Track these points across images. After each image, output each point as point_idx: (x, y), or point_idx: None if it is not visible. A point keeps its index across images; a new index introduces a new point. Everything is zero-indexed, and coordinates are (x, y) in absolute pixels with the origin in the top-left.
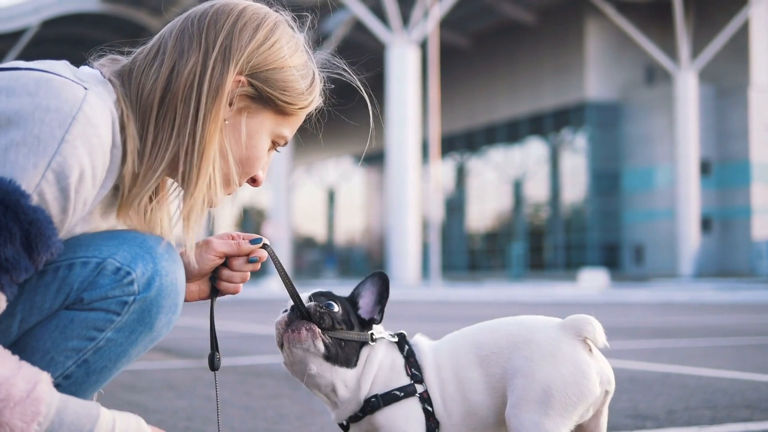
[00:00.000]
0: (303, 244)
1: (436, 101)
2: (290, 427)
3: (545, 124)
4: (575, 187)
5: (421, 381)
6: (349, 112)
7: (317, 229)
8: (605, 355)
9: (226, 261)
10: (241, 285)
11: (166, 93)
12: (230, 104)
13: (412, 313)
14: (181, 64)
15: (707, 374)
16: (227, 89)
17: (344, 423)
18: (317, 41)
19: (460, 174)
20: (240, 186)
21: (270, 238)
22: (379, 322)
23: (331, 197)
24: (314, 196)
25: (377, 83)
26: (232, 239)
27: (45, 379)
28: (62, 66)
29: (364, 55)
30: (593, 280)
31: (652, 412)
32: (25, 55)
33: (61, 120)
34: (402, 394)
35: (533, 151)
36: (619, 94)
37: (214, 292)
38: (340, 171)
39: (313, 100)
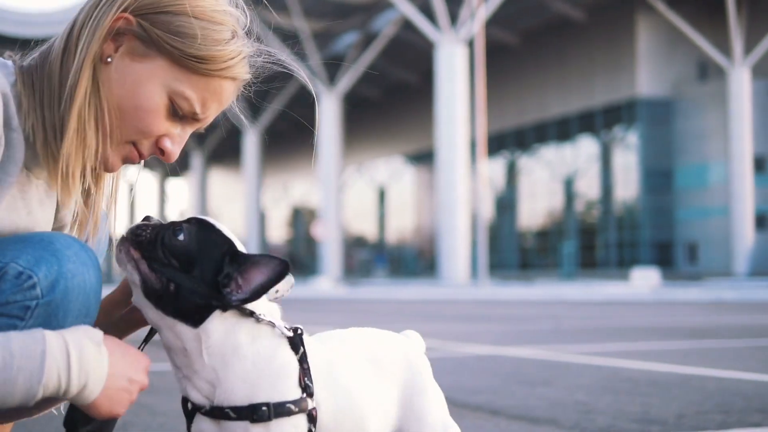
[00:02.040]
0: (353, 244)
1: (482, 100)
2: None
3: (596, 122)
4: (627, 184)
5: (312, 395)
6: (399, 111)
7: (368, 229)
8: (633, 357)
9: None
10: None
11: (67, 41)
12: (117, 42)
13: (454, 313)
14: (79, 14)
15: (731, 377)
16: (105, 24)
17: (188, 405)
18: (366, 41)
19: (511, 172)
20: (144, 155)
21: (319, 237)
22: (230, 306)
23: (382, 196)
24: (365, 196)
25: (426, 82)
26: None
27: None
28: None
29: (412, 54)
30: (645, 279)
31: (662, 417)
32: None
33: None
34: (296, 409)
35: (584, 148)
36: (671, 91)
37: None
38: (390, 170)
39: (222, 62)
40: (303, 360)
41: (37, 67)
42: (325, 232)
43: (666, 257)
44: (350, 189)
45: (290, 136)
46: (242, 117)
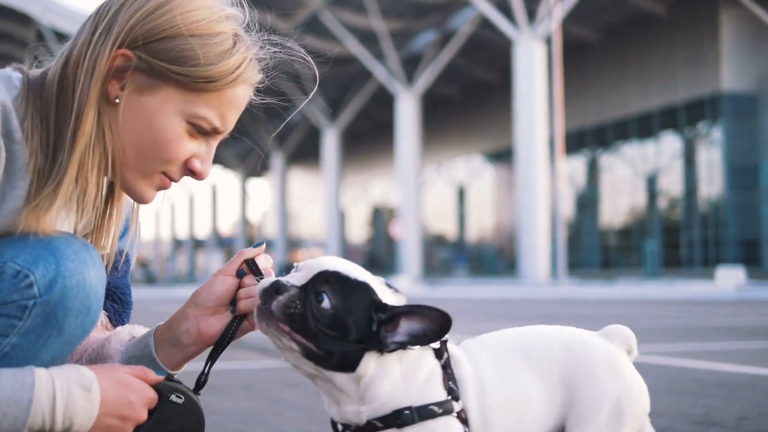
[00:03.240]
0: (433, 243)
1: (560, 97)
2: None
3: (679, 118)
4: (711, 181)
5: (458, 398)
6: (478, 109)
7: (448, 227)
8: (703, 357)
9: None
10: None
11: (63, 77)
12: (121, 80)
13: (531, 312)
14: (74, 48)
15: None
16: (104, 64)
17: (339, 427)
18: (444, 40)
19: (592, 170)
20: (175, 179)
21: (398, 236)
22: (389, 350)
23: (461, 195)
24: (444, 194)
25: (504, 80)
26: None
27: None
28: None
29: (490, 52)
30: (730, 278)
31: (722, 419)
32: None
33: None
34: (440, 410)
35: (667, 145)
36: (757, 85)
37: (235, 318)
38: (469, 168)
39: (231, 74)
40: (447, 366)
41: (38, 92)
42: (403, 231)
43: (752, 255)
44: (430, 188)
45: (369, 136)
46: (322, 117)
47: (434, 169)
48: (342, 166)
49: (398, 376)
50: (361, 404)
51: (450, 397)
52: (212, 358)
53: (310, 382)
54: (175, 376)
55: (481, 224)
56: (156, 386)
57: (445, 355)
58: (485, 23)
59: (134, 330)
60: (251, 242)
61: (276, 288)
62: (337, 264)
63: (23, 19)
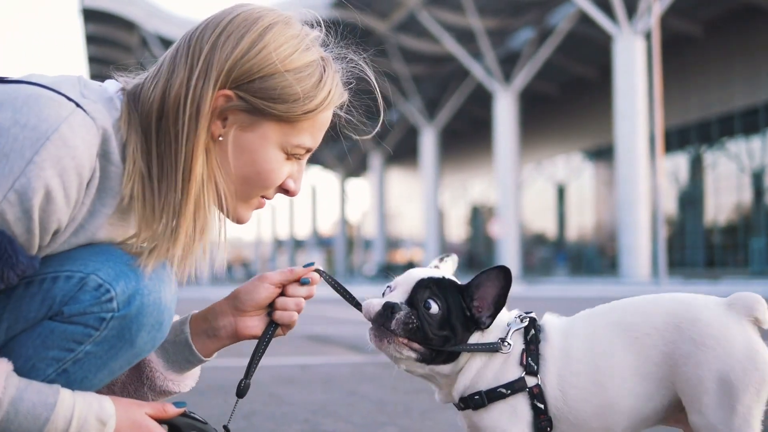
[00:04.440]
0: (533, 242)
1: (660, 93)
2: (409, 421)
3: None
4: None
5: (535, 373)
6: (577, 106)
7: (547, 226)
8: None
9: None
10: (296, 315)
11: (160, 114)
12: (223, 120)
13: None
14: (171, 84)
15: None
16: (207, 106)
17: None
18: (542, 37)
19: (696, 166)
20: (271, 198)
21: (497, 235)
22: (486, 326)
23: (561, 193)
24: (544, 193)
25: (604, 76)
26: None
27: (1, 369)
28: (68, 80)
29: (590, 48)
30: None
31: None
32: None
33: (34, 139)
34: (508, 391)
35: None
36: None
37: (270, 324)
38: (569, 167)
39: (326, 101)
40: (531, 342)
41: (136, 119)
42: (502, 230)
43: None
44: (529, 187)
45: (467, 135)
46: (419, 116)
47: (533, 168)
48: (440, 165)
49: (482, 360)
50: (454, 388)
51: (524, 374)
52: (251, 366)
53: (392, 375)
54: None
55: (581, 223)
56: (176, 424)
57: (531, 332)
58: (584, 19)
59: None
60: (351, 242)
61: (391, 309)
62: (425, 272)
63: (127, 24)
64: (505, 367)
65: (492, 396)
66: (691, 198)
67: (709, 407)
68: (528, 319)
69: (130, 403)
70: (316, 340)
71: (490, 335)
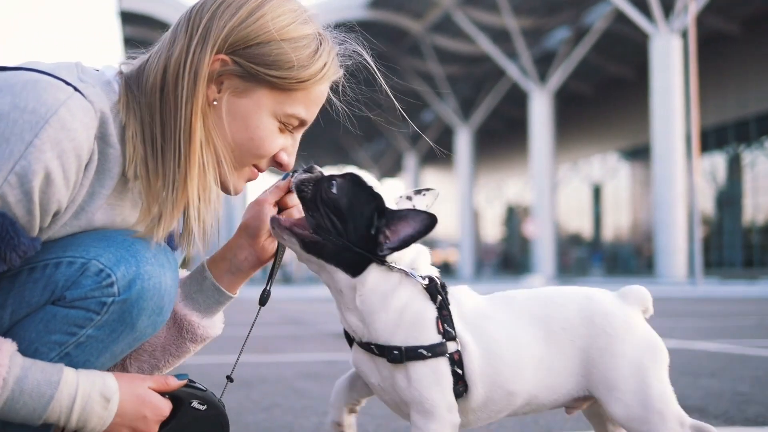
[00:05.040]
0: (569, 242)
1: (695, 92)
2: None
3: None
4: None
5: (453, 339)
6: (613, 106)
7: (583, 227)
8: None
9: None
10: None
11: (163, 83)
12: (219, 84)
13: (660, 309)
14: (172, 53)
15: None
16: (205, 70)
17: (351, 336)
18: (578, 36)
19: (733, 166)
20: (263, 170)
21: (531, 235)
22: (382, 254)
23: (597, 193)
24: (580, 193)
25: (641, 75)
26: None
27: (5, 349)
28: (65, 66)
29: (626, 47)
30: None
31: None
32: None
33: (33, 123)
34: (429, 354)
35: None
36: None
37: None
38: (605, 167)
39: (321, 73)
40: (443, 307)
41: (137, 98)
42: (536, 230)
43: None
44: (565, 187)
45: (503, 135)
46: (454, 117)
47: (569, 168)
48: (475, 165)
49: (391, 309)
50: (362, 323)
51: (444, 340)
52: (271, 276)
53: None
54: (202, 385)
55: (617, 223)
56: (177, 392)
57: (439, 297)
58: (620, 18)
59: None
60: None
61: (308, 168)
62: (362, 173)
63: (163, 27)
64: (420, 330)
65: (411, 356)
66: (729, 198)
67: (627, 393)
68: (428, 278)
69: (133, 377)
70: (342, 337)
71: (387, 280)
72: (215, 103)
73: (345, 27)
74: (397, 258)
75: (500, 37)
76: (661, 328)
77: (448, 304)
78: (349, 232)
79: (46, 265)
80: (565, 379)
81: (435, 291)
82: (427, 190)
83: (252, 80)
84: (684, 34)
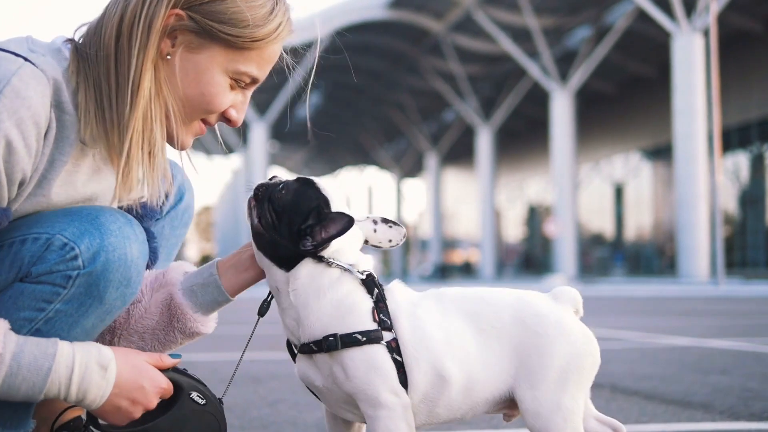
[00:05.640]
0: (590, 242)
1: (717, 91)
2: None
3: None
4: None
5: (390, 329)
6: (635, 105)
7: (605, 226)
8: None
9: None
10: None
11: (119, 33)
12: (173, 39)
13: (680, 308)
14: (128, 5)
15: None
16: (159, 23)
17: (292, 346)
18: (599, 35)
19: (757, 165)
20: (212, 124)
21: (552, 235)
22: (306, 250)
23: (619, 193)
24: (601, 193)
25: (663, 74)
26: None
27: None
28: (14, 40)
29: (648, 46)
30: None
31: None
32: (318, 65)
33: None
34: (364, 338)
35: None
36: None
37: None
38: (627, 166)
39: (275, 33)
40: (379, 300)
41: (89, 57)
42: (557, 230)
43: None
44: (586, 187)
45: (524, 134)
46: (475, 116)
47: (591, 168)
48: (496, 165)
49: (327, 300)
50: (296, 321)
51: (379, 328)
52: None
53: None
54: (201, 379)
55: (639, 222)
56: (178, 382)
57: (376, 291)
58: (641, 17)
59: (184, 266)
60: (407, 242)
61: (272, 178)
62: (321, 180)
63: None
64: (356, 318)
65: (346, 341)
66: (753, 197)
67: (542, 392)
68: (366, 274)
69: (128, 350)
70: None
71: (324, 275)
72: (169, 57)
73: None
74: (337, 255)
75: (521, 36)
76: (678, 326)
77: (385, 298)
78: (282, 226)
79: (12, 243)
80: (497, 376)
81: (372, 285)
82: (395, 224)
83: (206, 37)
84: (706, 33)
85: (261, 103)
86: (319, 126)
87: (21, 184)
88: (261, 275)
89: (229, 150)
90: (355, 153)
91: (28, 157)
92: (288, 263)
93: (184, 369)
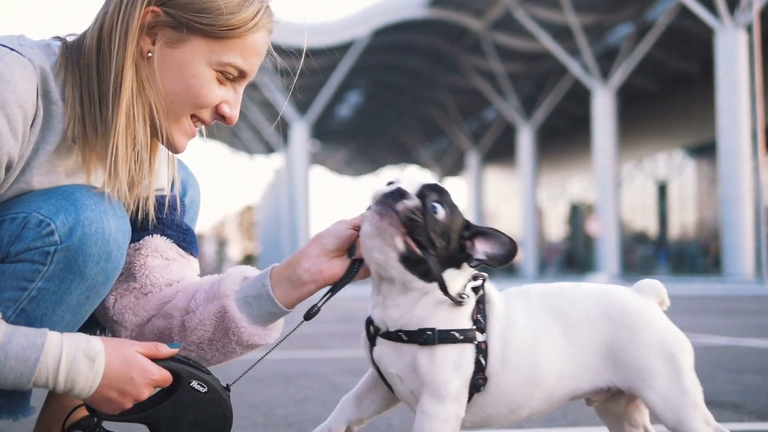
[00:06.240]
0: (633, 240)
1: (760, 88)
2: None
3: None
4: None
5: (483, 331)
6: (678, 102)
7: (648, 225)
8: None
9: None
10: None
11: (99, 39)
12: (152, 36)
13: (721, 307)
14: (107, 10)
15: None
16: (135, 22)
17: (371, 329)
18: (641, 32)
19: None
20: (207, 122)
21: (594, 233)
22: (472, 265)
23: (662, 191)
24: (645, 191)
25: (706, 71)
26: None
27: None
28: (6, 37)
29: (690, 42)
30: None
31: None
32: (359, 65)
33: None
34: (461, 337)
35: None
36: None
37: (355, 262)
38: (671, 164)
39: (251, 21)
40: (480, 301)
41: (76, 63)
42: (599, 228)
43: None
44: (629, 185)
45: (565, 132)
46: (516, 115)
47: (634, 166)
48: (538, 163)
49: (434, 299)
50: (402, 314)
51: (475, 328)
52: (332, 292)
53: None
54: (208, 369)
55: (683, 221)
56: (177, 371)
57: (481, 292)
58: (684, 13)
59: (245, 271)
60: None
61: (400, 193)
62: (442, 185)
63: None
64: (457, 316)
65: (444, 337)
66: None
67: (660, 382)
68: (481, 279)
69: (121, 341)
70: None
71: (456, 279)
72: (150, 54)
73: None
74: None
75: (562, 34)
76: (719, 325)
77: (484, 301)
78: (448, 249)
79: None
80: (585, 371)
81: (481, 287)
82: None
83: (184, 30)
84: (749, 29)
85: (301, 102)
86: (359, 125)
87: (8, 170)
88: (318, 288)
89: (270, 149)
90: (396, 152)
91: (14, 141)
92: (434, 275)
93: (185, 357)
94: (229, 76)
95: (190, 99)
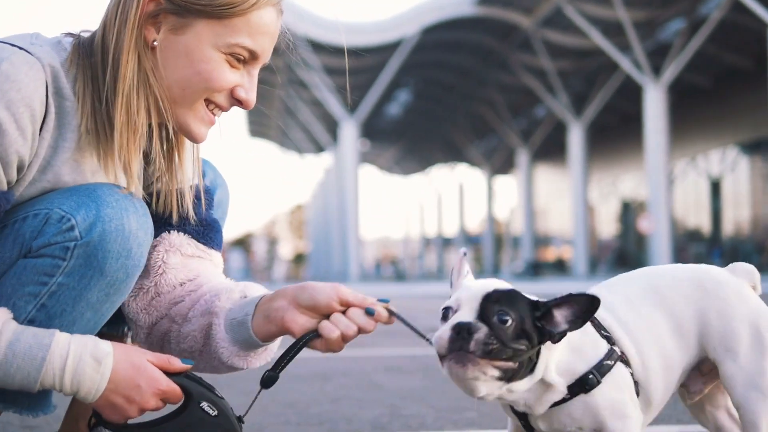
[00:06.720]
0: (686, 238)
1: None
2: (491, 407)
3: None
4: None
5: (613, 342)
6: (732, 98)
7: (702, 222)
8: None
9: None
10: (340, 339)
11: (104, 35)
12: (156, 25)
13: None
14: (110, 6)
15: None
16: (134, 12)
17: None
18: (693, 27)
19: None
20: (225, 108)
21: (645, 231)
22: (557, 340)
23: (716, 188)
24: (698, 188)
25: (760, 66)
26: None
27: None
28: (19, 36)
29: (744, 37)
30: None
31: None
32: (408, 63)
33: None
34: (612, 362)
35: None
36: None
37: (311, 330)
38: (724, 161)
39: None
40: (592, 320)
41: (86, 57)
42: (651, 226)
43: None
44: (682, 182)
45: (616, 129)
46: (567, 112)
47: (687, 163)
48: (589, 161)
49: (564, 350)
50: (535, 393)
51: (610, 345)
52: (280, 361)
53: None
54: (219, 392)
55: (737, 218)
56: (188, 389)
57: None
58: (737, 7)
59: (248, 289)
60: (499, 239)
61: (467, 330)
62: (488, 284)
63: None
64: (594, 345)
65: (603, 371)
66: None
67: (743, 354)
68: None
69: (132, 347)
70: (434, 331)
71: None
72: (155, 43)
73: None
74: None
75: (612, 30)
76: None
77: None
78: (533, 342)
79: (15, 221)
80: (687, 340)
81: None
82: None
83: (187, 14)
84: None
85: (351, 101)
86: (409, 123)
87: (21, 169)
88: (279, 332)
89: (320, 148)
90: (445, 150)
91: (23, 140)
92: (534, 367)
93: (200, 378)
94: (239, 57)
95: (201, 84)
